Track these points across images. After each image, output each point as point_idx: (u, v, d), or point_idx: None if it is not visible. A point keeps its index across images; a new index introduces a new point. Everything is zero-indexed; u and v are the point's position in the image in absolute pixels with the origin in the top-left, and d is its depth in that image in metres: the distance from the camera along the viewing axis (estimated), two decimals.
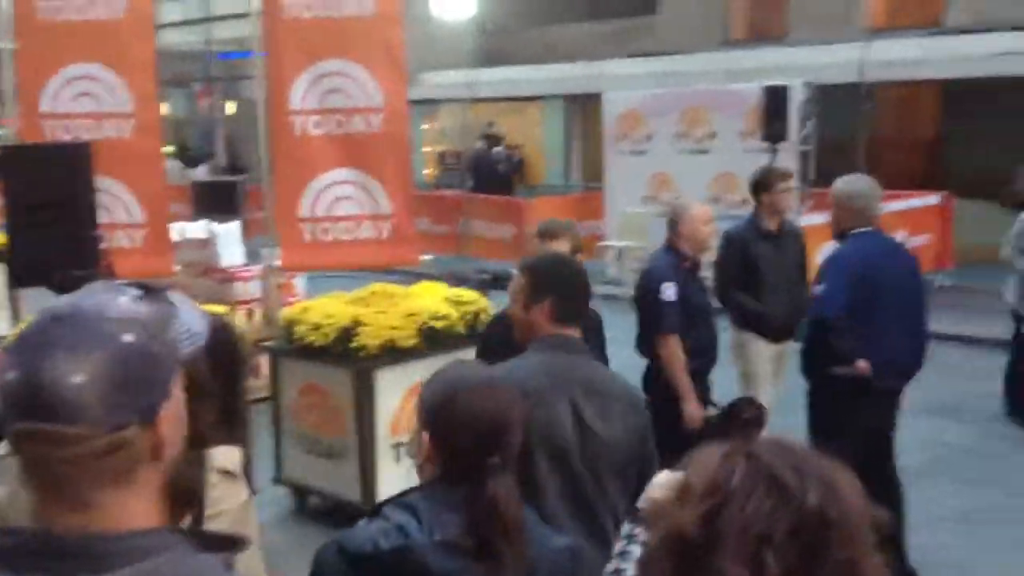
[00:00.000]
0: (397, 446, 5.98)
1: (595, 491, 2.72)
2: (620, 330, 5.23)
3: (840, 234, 4.92)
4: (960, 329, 9.74)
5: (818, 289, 4.86)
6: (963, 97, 15.68)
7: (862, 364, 4.67)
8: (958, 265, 12.58)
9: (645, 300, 5.09)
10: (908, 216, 11.89)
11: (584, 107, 19.88)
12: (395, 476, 5.95)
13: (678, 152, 13.12)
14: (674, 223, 5.20)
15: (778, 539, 1.25)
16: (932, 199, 12.88)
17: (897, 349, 4.74)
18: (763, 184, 6.05)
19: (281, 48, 6.54)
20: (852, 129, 14.21)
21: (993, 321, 9.14)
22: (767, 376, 6.05)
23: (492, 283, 13.73)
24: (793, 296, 5.91)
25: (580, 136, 20.45)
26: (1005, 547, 5.45)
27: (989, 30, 14.45)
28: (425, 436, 2.05)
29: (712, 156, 12.80)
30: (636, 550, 1.94)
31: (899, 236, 11.84)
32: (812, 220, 11.74)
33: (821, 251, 12.26)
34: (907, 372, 4.83)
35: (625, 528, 2.02)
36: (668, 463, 5.10)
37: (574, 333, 2.89)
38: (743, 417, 3.96)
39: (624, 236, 13.22)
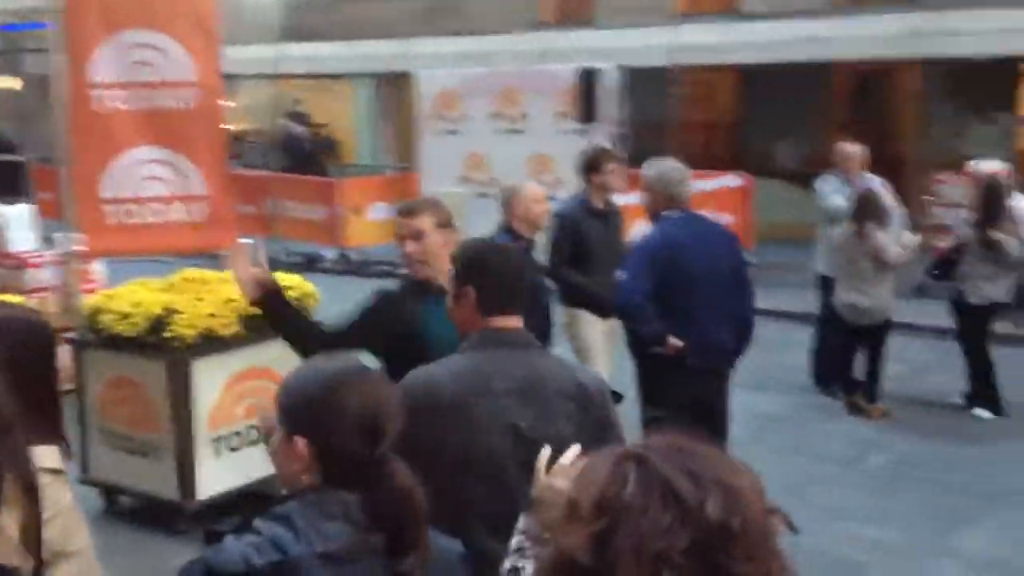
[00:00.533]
0: (217, 440, 5.69)
1: None
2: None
3: (654, 217, 4.97)
4: (767, 304, 10.12)
5: (621, 276, 4.91)
6: (760, 81, 16.37)
7: (672, 341, 4.72)
8: (759, 243, 13.13)
9: None
10: (712, 197, 12.26)
11: (394, 86, 19.62)
12: (215, 472, 5.67)
13: (493, 132, 13.09)
14: (507, 204, 5.13)
15: (677, 558, 1.15)
16: (733, 180, 13.37)
17: (711, 330, 4.80)
18: (594, 164, 6.09)
19: (81, 17, 6.05)
20: (662, 112, 14.59)
21: (798, 295, 9.55)
22: (600, 351, 6.13)
23: (304, 266, 13.42)
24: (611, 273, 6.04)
25: (391, 115, 20.17)
26: (828, 514, 5.66)
27: (784, 17, 15.11)
28: (300, 442, 1.85)
29: (526, 137, 12.83)
30: (529, 568, 1.83)
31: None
32: (626, 200, 12.05)
33: (634, 231, 12.57)
34: (726, 352, 4.91)
35: (515, 540, 1.90)
36: None
37: (512, 323, 2.63)
38: None
39: None
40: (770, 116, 16.20)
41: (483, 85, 13.22)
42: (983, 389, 7.42)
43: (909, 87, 16.09)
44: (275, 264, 10.86)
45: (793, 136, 15.96)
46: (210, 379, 5.63)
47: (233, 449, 5.74)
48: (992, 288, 7.27)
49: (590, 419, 2.56)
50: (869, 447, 6.86)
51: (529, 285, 4.95)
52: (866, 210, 7.16)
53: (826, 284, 8.02)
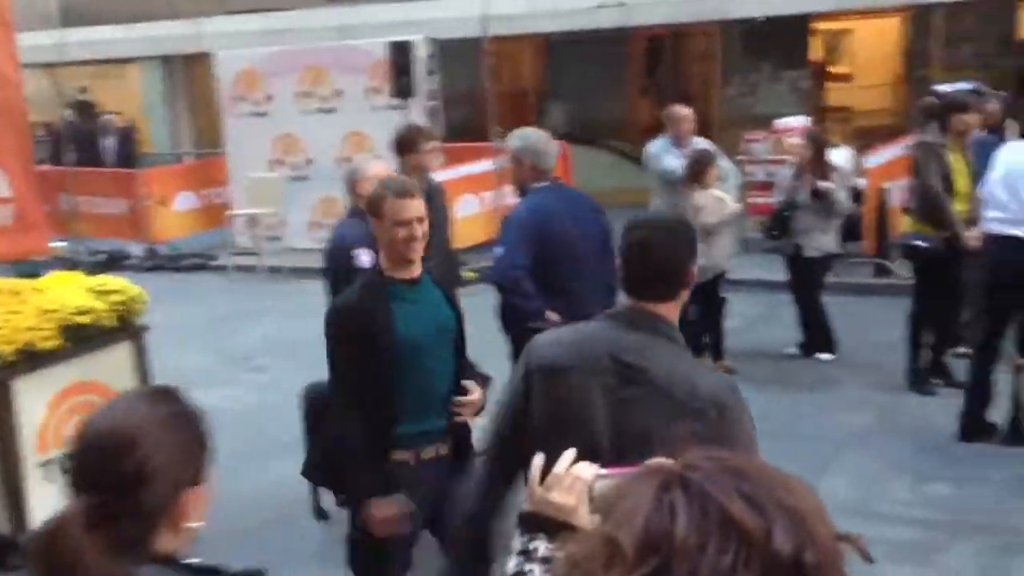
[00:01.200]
0: (47, 464, 5.18)
1: None
2: (273, 302, 4.81)
3: (522, 191, 4.83)
4: None
5: (497, 251, 4.74)
6: (566, 50, 16.52)
7: (551, 316, 4.63)
8: None
9: (338, 269, 4.70)
10: None
11: (187, 68, 18.70)
12: (49, 499, 5.15)
13: (303, 113, 12.63)
14: (353, 185, 4.85)
15: None
16: None
17: (586, 300, 4.71)
18: (408, 144, 5.83)
19: None
20: (473, 83, 14.44)
21: None
22: None
23: (108, 264, 12.60)
24: (448, 255, 5.84)
25: (185, 99, 19.23)
26: None
27: None
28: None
29: (340, 115, 12.44)
30: (537, 571, 1.63)
31: None
32: (445, 176, 11.88)
33: (458, 205, 12.35)
34: None
35: (518, 542, 1.70)
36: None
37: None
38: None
39: (253, 203, 12.56)
40: (577, 84, 16.38)
41: (287, 63, 12.71)
42: (822, 336, 7.69)
43: (708, 49, 16.56)
44: (77, 264, 10.26)
45: (601, 103, 16.15)
46: (34, 398, 5.11)
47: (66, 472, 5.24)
48: (826, 239, 7.52)
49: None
50: None
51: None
52: (698, 171, 7.23)
53: None
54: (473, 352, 3.93)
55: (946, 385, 6.95)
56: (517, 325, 4.71)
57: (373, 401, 3.48)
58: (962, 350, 7.37)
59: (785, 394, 7.10)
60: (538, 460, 1.78)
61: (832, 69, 17.58)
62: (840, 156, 10.08)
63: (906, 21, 16.73)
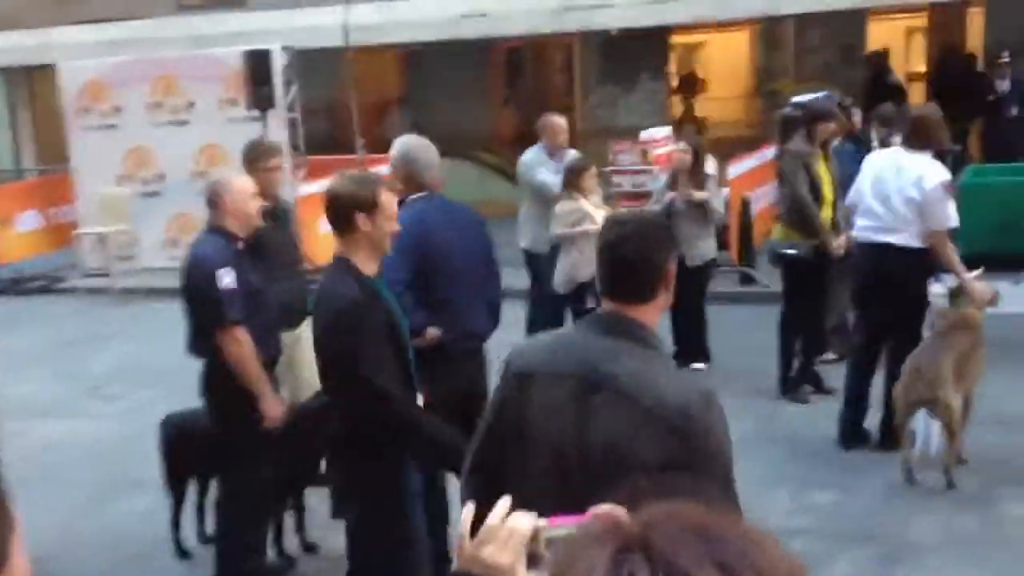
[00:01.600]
0: None
1: None
2: (126, 325, 4.47)
3: (400, 201, 4.60)
4: None
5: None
6: (427, 60, 16.32)
7: (431, 331, 4.42)
8: None
9: (199, 292, 4.38)
10: None
11: (32, 81, 17.73)
12: None
13: (155, 125, 12.04)
14: (215, 201, 4.52)
15: None
16: None
17: (468, 315, 4.53)
18: (251, 159, 5.55)
19: None
20: (332, 94, 14.12)
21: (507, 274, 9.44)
22: (303, 363, 5.69)
23: None
24: (299, 279, 5.68)
25: (30, 113, 18.22)
26: None
27: None
28: None
29: (194, 127, 11.91)
30: None
31: None
32: (308, 189, 11.51)
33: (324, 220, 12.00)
34: (483, 336, 4.65)
35: None
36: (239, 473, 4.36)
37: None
38: None
39: (104, 220, 11.91)
40: (440, 95, 16.19)
41: (136, 73, 12.11)
42: (696, 345, 7.68)
43: (568, 60, 16.63)
44: None
45: (464, 114, 16.00)
46: None
47: None
48: (706, 247, 7.53)
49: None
50: None
51: (255, 291, 4.49)
52: (574, 177, 7.13)
53: (531, 260, 7.98)
54: None
55: (816, 392, 7.02)
56: None
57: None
58: (830, 356, 7.48)
59: None
60: (467, 511, 1.59)
61: (688, 81, 17.94)
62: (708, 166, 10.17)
63: (756, 34, 17.21)
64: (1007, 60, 12.92)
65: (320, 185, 11.71)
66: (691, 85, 17.61)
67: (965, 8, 15.37)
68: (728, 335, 8.18)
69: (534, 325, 8.00)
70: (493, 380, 4.72)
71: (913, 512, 5.28)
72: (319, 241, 11.64)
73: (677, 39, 16.79)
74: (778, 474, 5.79)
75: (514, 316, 8.39)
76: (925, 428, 5.80)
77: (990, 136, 12.97)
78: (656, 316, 2.44)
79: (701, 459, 2.23)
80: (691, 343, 7.72)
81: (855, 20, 15.44)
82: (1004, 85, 12.81)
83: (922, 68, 16.33)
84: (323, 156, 12.18)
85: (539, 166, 7.75)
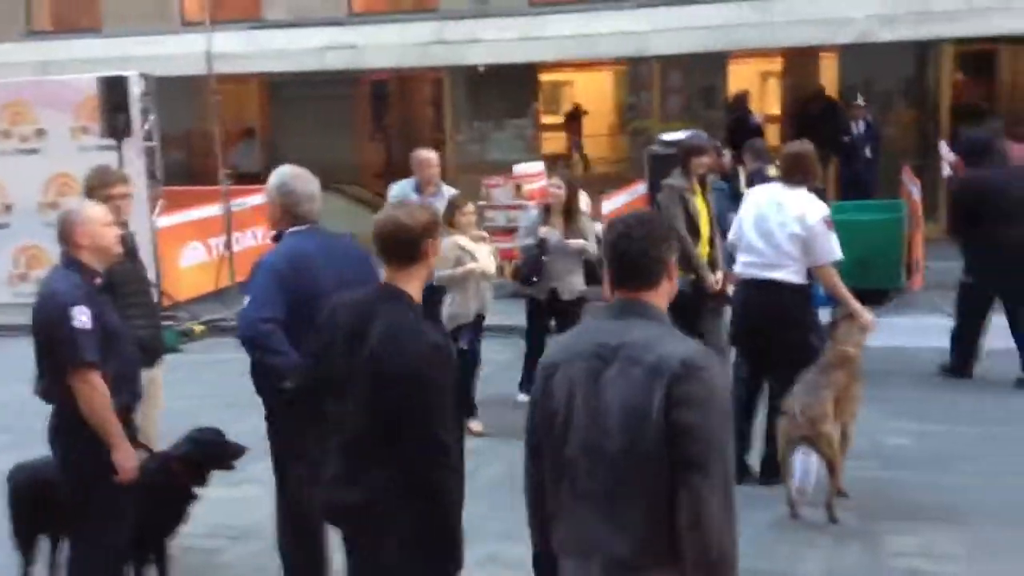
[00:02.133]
0: None
1: None
2: None
3: (276, 235, 4.33)
4: None
5: (245, 302, 4.20)
6: (289, 91, 15.96)
7: None
8: None
9: (51, 331, 3.99)
10: (260, 211, 11.58)
11: None
12: None
13: (2, 153, 11.36)
14: (67, 233, 4.15)
15: None
16: None
17: None
18: (91, 188, 5.21)
19: None
20: (191, 123, 13.63)
21: None
22: (154, 401, 5.35)
23: None
24: (154, 318, 5.53)
25: None
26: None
27: (307, 25, 14.82)
28: None
29: (43, 156, 11.30)
30: None
31: (257, 232, 11.60)
32: (167, 222, 11.03)
33: (183, 253, 11.49)
34: None
35: None
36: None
37: None
38: None
39: None
40: (301, 126, 15.86)
41: None
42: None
43: (437, 94, 16.52)
44: None
45: (331, 146, 15.69)
46: None
47: None
48: (577, 281, 7.45)
49: None
50: (479, 459, 6.67)
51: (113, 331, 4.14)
52: (453, 218, 6.98)
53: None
54: (200, 414, 3.39)
55: None
56: (270, 385, 4.18)
57: None
58: None
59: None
60: None
61: (556, 119, 18.08)
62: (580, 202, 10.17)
63: (622, 74, 17.47)
64: (862, 104, 13.43)
65: (181, 217, 11.29)
66: (576, 120, 17.75)
67: (818, 53, 15.96)
68: None
69: None
70: None
71: (798, 547, 5.26)
72: (180, 275, 11.20)
73: (545, 76, 16.89)
74: None
75: None
76: (803, 464, 5.80)
77: (845, 176, 13.43)
78: (663, 302, 2.66)
79: (697, 399, 2.43)
80: None
81: (715, 63, 15.84)
82: (859, 128, 13.30)
83: (777, 110, 16.85)
84: (182, 187, 11.71)
85: (399, 198, 7.59)
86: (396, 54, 14.52)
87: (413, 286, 3.29)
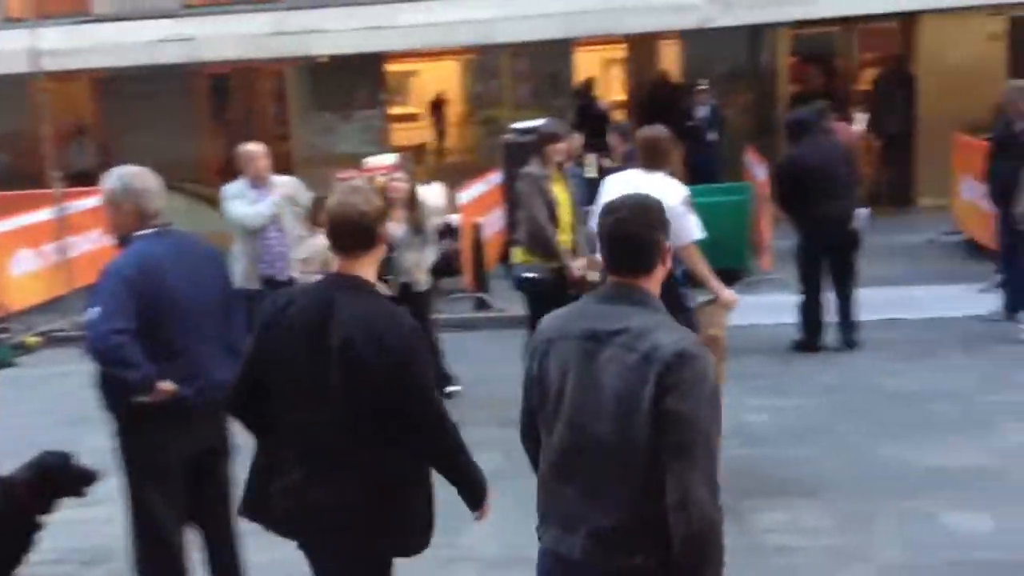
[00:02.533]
0: None
1: None
2: None
3: (122, 239, 4.04)
4: None
5: (91, 313, 3.90)
6: (121, 86, 15.24)
7: (165, 386, 3.91)
8: None
9: None
10: (92, 214, 10.97)
11: None
12: None
13: None
14: None
15: None
16: None
17: (204, 363, 4.04)
18: None
19: None
20: (19, 123, 12.88)
21: None
22: None
23: None
24: None
25: None
26: None
27: (137, 18, 14.19)
28: None
29: None
30: None
31: (94, 236, 10.98)
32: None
33: (12, 262, 10.79)
34: (223, 386, 4.16)
35: None
36: None
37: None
38: None
39: None
40: (136, 124, 15.17)
41: None
42: (437, 370, 7.45)
43: (280, 87, 16.07)
44: None
45: (170, 143, 15.06)
46: None
47: None
48: (425, 272, 7.33)
49: None
50: None
51: None
52: (317, 216, 6.75)
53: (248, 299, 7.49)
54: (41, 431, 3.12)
55: None
56: (122, 400, 3.90)
57: None
58: None
59: None
60: None
61: (403, 109, 17.87)
62: (433, 192, 10.04)
63: (469, 63, 17.40)
64: (705, 88, 13.71)
65: (10, 223, 10.59)
66: (440, 109, 17.53)
67: (660, 39, 16.25)
68: (468, 363, 8.01)
69: None
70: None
71: None
72: (11, 283, 10.51)
73: (391, 67, 16.65)
74: (529, 509, 5.61)
75: None
76: None
77: (691, 160, 13.70)
78: (656, 286, 2.74)
79: (687, 387, 2.49)
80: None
81: (561, 50, 15.93)
82: (703, 112, 13.58)
83: (623, 96, 17.09)
84: (10, 192, 11.03)
85: (235, 199, 7.30)
86: (235, 46, 14.02)
87: (369, 273, 3.19)
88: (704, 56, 15.53)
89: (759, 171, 10.76)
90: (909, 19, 14.08)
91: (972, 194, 10.36)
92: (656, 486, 2.50)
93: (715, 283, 5.80)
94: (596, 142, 10.48)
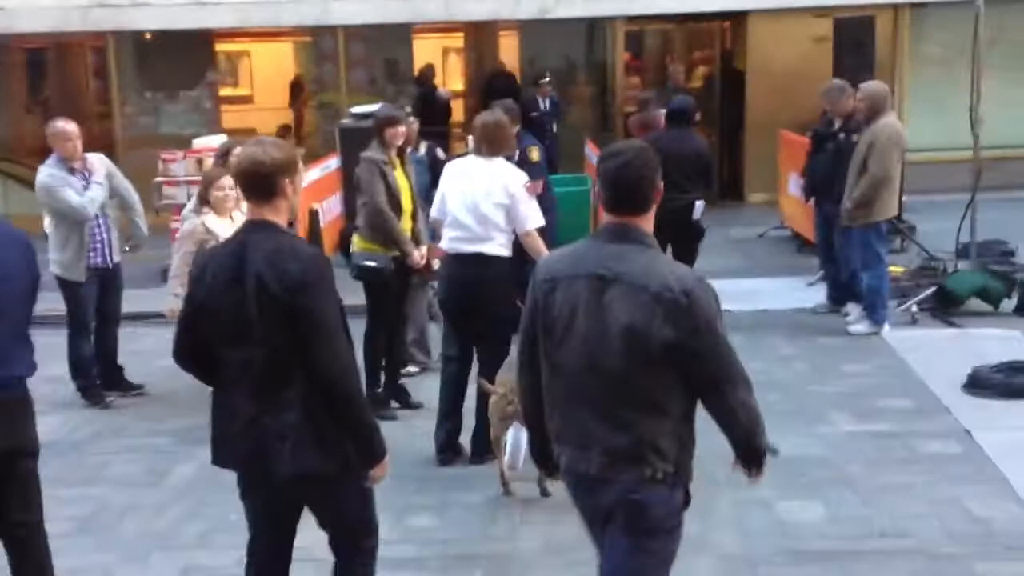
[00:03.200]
0: None
1: None
2: None
3: None
4: None
5: None
6: None
7: None
8: None
9: None
10: None
11: None
12: None
13: None
14: None
15: None
16: None
17: (12, 356, 3.70)
18: None
19: None
20: None
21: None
22: None
23: None
24: None
25: None
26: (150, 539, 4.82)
27: None
28: None
29: None
30: None
31: None
32: None
33: None
34: (26, 376, 3.80)
35: None
36: None
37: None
38: None
39: None
40: None
41: None
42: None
43: (102, 62, 15.20)
44: None
45: None
46: None
47: None
48: None
49: None
50: (171, 459, 6.13)
51: None
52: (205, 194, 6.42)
53: (66, 288, 7.01)
54: None
55: (403, 407, 6.78)
56: None
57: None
58: (412, 370, 7.32)
59: None
60: None
61: (234, 91, 17.22)
62: None
63: (304, 46, 16.93)
64: (547, 80, 13.75)
65: None
66: (300, 90, 16.88)
67: (499, 29, 16.22)
68: None
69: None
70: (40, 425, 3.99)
71: (514, 525, 5.18)
72: None
73: (222, 46, 16.02)
74: (376, 500, 5.44)
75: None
76: (514, 439, 5.74)
77: None
78: (650, 224, 3.04)
79: (703, 325, 2.84)
80: None
81: (400, 36, 15.70)
82: (545, 104, 13.60)
83: (461, 86, 16.97)
84: None
85: (64, 186, 6.77)
86: (52, 18, 13.21)
87: (279, 218, 3.32)
88: (542, 48, 15.60)
89: None
90: (739, 19, 14.50)
91: (797, 190, 10.72)
92: (661, 409, 2.91)
93: None
94: (437, 130, 10.35)
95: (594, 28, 15.41)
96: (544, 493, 5.41)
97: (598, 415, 2.94)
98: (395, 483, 5.61)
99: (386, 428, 6.31)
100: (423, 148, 8.40)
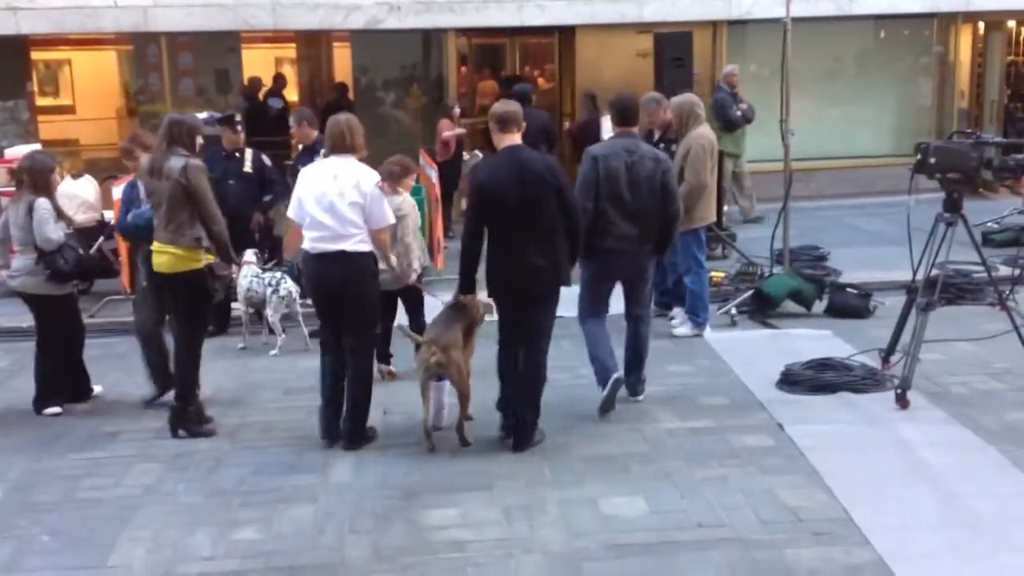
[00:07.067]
0: None
1: None
2: None
3: None
4: None
5: None
6: None
7: None
8: None
9: None
10: None
11: None
12: None
13: None
14: None
15: None
16: None
17: None
18: None
19: None
20: None
21: None
22: None
23: None
24: None
25: None
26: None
27: None
28: None
29: None
30: None
31: None
32: None
33: None
34: None
35: None
36: None
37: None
38: None
39: None
40: None
41: None
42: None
43: None
44: None
45: None
46: None
47: None
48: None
49: None
50: None
51: None
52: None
53: None
54: None
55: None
56: None
57: None
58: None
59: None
60: None
61: (54, 100, 16.51)
62: (84, 186, 9.41)
63: (127, 55, 16.40)
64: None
65: None
66: (55, 105, 16.17)
67: (331, 40, 16.09)
68: (123, 369, 7.49)
69: None
70: None
71: (342, 535, 5.09)
72: None
73: (40, 54, 15.33)
74: (197, 517, 5.29)
75: None
76: (436, 401, 6.25)
77: None
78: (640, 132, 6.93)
79: (671, 169, 6.75)
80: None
81: (227, 46, 15.38)
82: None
83: (295, 97, 16.74)
84: None
85: None
86: None
87: None
88: (375, 58, 15.55)
89: (432, 173, 10.84)
90: (567, 34, 14.81)
91: None
92: (663, 216, 6.51)
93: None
94: (269, 140, 10.21)
95: (428, 39, 15.45)
96: (464, 443, 6.13)
97: (634, 225, 6.43)
98: (213, 497, 5.52)
99: (215, 443, 6.27)
100: (248, 155, 8.44)
